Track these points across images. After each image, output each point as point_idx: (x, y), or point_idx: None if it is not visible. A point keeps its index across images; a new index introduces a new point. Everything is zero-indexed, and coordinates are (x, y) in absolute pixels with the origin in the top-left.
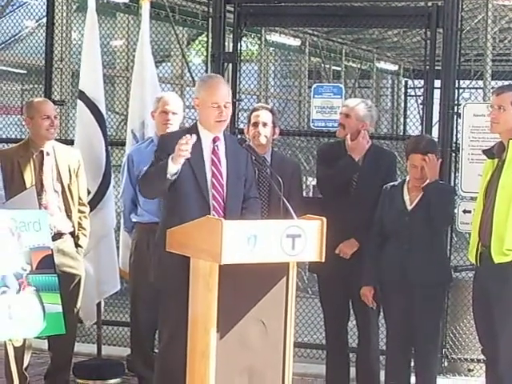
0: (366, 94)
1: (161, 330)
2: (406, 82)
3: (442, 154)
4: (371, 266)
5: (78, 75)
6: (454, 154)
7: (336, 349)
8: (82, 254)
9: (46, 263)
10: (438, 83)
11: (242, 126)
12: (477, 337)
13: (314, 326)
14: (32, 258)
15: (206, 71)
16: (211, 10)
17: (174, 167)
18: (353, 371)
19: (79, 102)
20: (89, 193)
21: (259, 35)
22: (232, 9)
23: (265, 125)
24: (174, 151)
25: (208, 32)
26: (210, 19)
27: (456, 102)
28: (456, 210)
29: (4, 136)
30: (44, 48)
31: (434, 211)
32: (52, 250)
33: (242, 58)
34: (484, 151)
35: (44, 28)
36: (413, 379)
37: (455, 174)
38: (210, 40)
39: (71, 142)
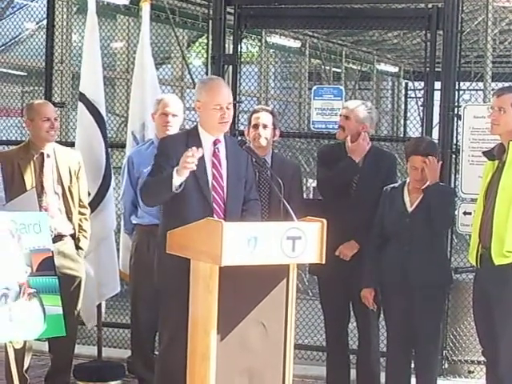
0: (367, 95)
1: (161, 332)
2: (407, 84)
3: (443, 155)
4: (371, 267)
5: (78, 77)
6: (454, 156)
7: (336, 351)
8: (83, 256)
9: (47, 265)
10: (438, 85)
11: (242, 127)
12: (477, 338)
13: (315, 328)
14: (32, 259)
15: (207, 73)
16: (211, 11)
17: (178, 179)
18: (353, 373)
19: (80, 104)
20: (89, 194)
21: (259, 37)
22: (232, 11)
23: (265, 127)
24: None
25: (208, 34)
26: (211, 21)
27: (456, 104)
28: (456, 212)
29: (4, 138)
30: (44, 50)
31: (435, 213)
32: (52, 252)
33: (243, 59)
34: (484, 153)
35: (44, 30)
36: (413, 381)
37: (455, 175)
38: (211, 42)
39: (71, 144)
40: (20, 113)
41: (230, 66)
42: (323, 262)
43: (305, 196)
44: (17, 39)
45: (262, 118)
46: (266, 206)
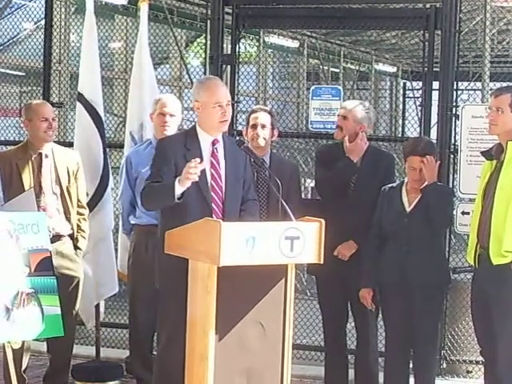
0: (365, 95)
1: (159, 332)
2: (405, 84)
3: (441, 155)
4: (370, 267)
5: (76, 77)
6: (452, 156)
7: (335, 351)
8: (81, 256)
9: (45, 265)
10: (436, 85)
11: (240, 127)
12: (475, 338)
13: (313, 328)
14: (30, 260)
15: (205, 73)
16: (209, 11)
17: (180, 189)
18: (351, 373)
19: (78, 104)
20: (87, 195)
21: (257, 37)
22: (230, 11)
23: (263, 127)
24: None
25: (206, 34)
26: (209, 21)
27: (454, 104)
28: (454, 212)
29: (2, 138)
30: (42, 50)
31: (433, 213)
32: (50, 252)
33: (241, 59)
34: (482, 153)
35: (42, 30)
36: (411, 381)
37: (453, 175)
38: (209, 42)
39: (70, 144)
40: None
41: (229, 66)
42: (321, 262)
43: (303, 196)
44: (15, 39)
45: (261, 118)
46: (264, 206)
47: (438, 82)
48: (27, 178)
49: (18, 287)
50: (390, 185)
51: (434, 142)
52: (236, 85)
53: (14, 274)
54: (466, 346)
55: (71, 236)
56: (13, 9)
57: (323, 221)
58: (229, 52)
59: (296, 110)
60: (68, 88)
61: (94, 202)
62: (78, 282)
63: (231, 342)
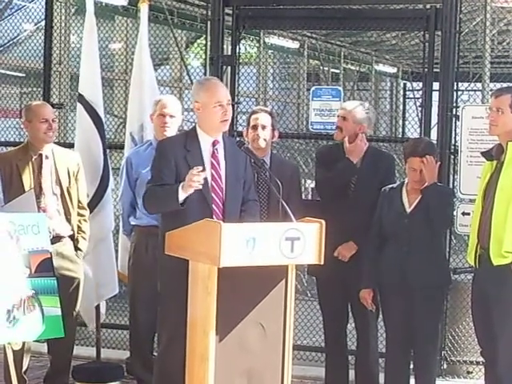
0: (365, 96)
1: (160, 333)
2: (405, 85)
3: (441, 156)
4: (370, 268)
5: (76, 78)
6: (452, 157)
7: (335, 351)
8: (82, 257)
9: (45, 266)
10: (436, 85)
11: (240, 128)
12: (476, 339)
13: (313, 329)
14: (31, 261)
15: (205, 74)
16: (210, 12)
17: (183, 195)
18: (352, 374)
19: (78, 105)
20: (87, 196)
21: (258, 38)
22: (231, 11)
23: (264, 127)
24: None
25: (207, 35)
26: (209, 22)
27: (454, 105)
28: (455, 213)
29: (3, 139)
30: (43, 51)
31: (433, 214)
32: (51, 253)
33: (241, 60)
34: (483, 153)
35: (43, 31)
36: (412, 381)
37: (454, 176)
38: (209, 43)
39: (70, 145)
40: (18, 114)
41: (229, 67)
42: (322, 263)
43: (303, 197)
44: (15, 40)
45: (261, 119)
46: (264, 207)
47: (438, 83)
48: (27, 179)
49: (20, 294)
50: (390, 185)
51: (435, 142)
52: (236, 86)
53: (14, 276)
54: (466, 347)
55: (72, 237)
56: (13, 10)
57: (323, 222)
58: (229, 53)
59: (296, 110)
60: (68, 89)
61: (94, 202)
62: (79, 283)
63: (232, 342)
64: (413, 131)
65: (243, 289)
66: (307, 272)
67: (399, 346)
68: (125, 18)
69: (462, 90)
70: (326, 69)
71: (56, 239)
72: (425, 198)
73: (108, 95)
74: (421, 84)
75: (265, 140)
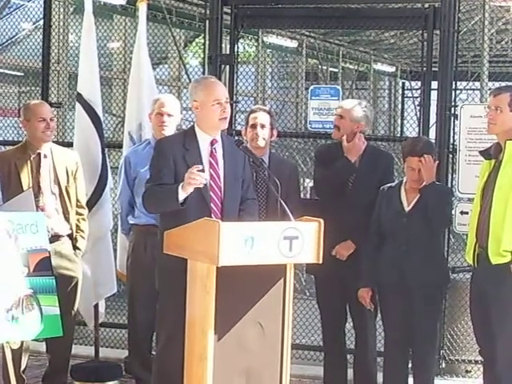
0: (363, 95)
1: (158, 332)
2: (403, 84)
3: (439, 155)
4: (369, 267)
5: (75, 77)
6: (451, 156)
7: (333, 351)
8: (80, 256)
9: (44, 265)
10: (434, 84)
11: (239, 127)
12: (474, 338)
13: (312, 328)
14: (29, 260)
15: (204, 73)
16: (208, 11)
17: (183, 195)
18: (350, 373)
19: (77, 104)
20: (85, 195)
21: (256, 37)
22: (229, 10)
23: (263, 126)
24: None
25: (205, 34)
26: (207, 21)
27: (453, 104)
28: (453, 212)
29: (1, 138)
30: (41, 50)
31: (432, 213)
32: (49, 252)
33: (239, 59)
34: (481, 152)
35: (41, 30)
36: (411, 380)
37: (452, 175)
38: (207, 42)
39: (68, 144)
40: (17, 113)
41: (227, 66)
42: (320, 262)
43: (302, 196)
44: (13, 39)
45: (260, 118)
46: (263, 206)
47: (436, 82)
48: (26, 177)
49: (19, 292)
50: (388, 184)
51: (433, 141)
52: (235, 85)
53: (12, 275)
54: (465, 346)
55: (70, 236)
56: (11, 9)
57: (322, 221)
58: (227, 52)
59: (295, 109)
60: (67, 88)
61: (93, 201)
62: (77, 282)
63: (230, 341)
64: (411, 130)
65: (242, 288)
66: (306, 270)
67: (398, 345)
68: (123, 17)
69: (461, 89)
70: (325, 68)
71: (54, 238)
72: (423, 197)
73: (106, 94)
74: (419, 83)
75: (264, 139)
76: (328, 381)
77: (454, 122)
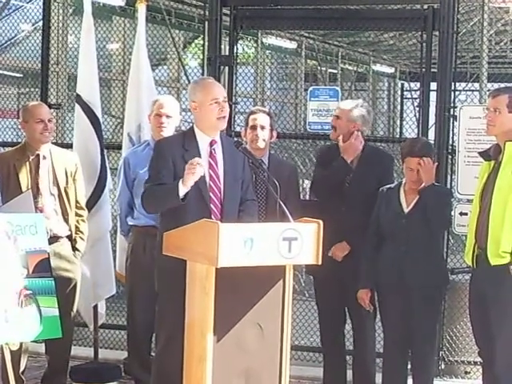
0: (363, 96)
1: (158, 333)
2: (403, 85)
3: (439, 156)
4: (368, 268)
5: (74, 79)
6: (450, 157)
7: (333, 352)
8: (79, 257)
9: (43, 267)
10: (434, 86)
11: (238, 128)
12: (473, 339)
13: (311, 329)
14: (28, 261)
15: (203, 74)
16: (207, 13)
17: (184, 190)
18: (350, 374)
19: (76, 106)
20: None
21: (255, 38)
22: (228, 12)
23: (263, 128)
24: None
25: (204, 35)
26: (207, 22)
27: (452, 105)
28: (452, 213)
29: (0, 140)
30: (40, 51)
31: (431, 214)
32: (48, 253)
33: (239, 60)
34: (480, 153)
35: (40, 31)
36: (410, 381)
37: (451, 176)
38: (207, 43)
39: (68, 146)
40: (16, 114)
41: (226, 67)
42: (319, 263)
43: (301, 197)
44: (13, 40)
45: (260, 120)
46: (262, 207)
47: (435, 83)
48: (24, 179)
49: (17, 293)
50: (387, 186)
51: (432, 142)
52: (234, 86)
53: (11, 276)
54: (464, 347)
55: (69, 237)
56: (10, 10)
57: (321, 222)
58: (227, 53)
59: (294, 111)
60: (66, 89)
61: (92, 203)
62: (76, 283)
63: (229, 343)
64: (410, 131)
65: (241, 289)
66: (305, 271)
67: (397, 346)
68: (122, 19)
69: (460, 90)
70: (324, 69)
71: (53, 239)
72: (423, 199)
73: (106, 95)
74: (418, 84)
75: (264, 140)
76: (327, 382)
77: (453, 123)
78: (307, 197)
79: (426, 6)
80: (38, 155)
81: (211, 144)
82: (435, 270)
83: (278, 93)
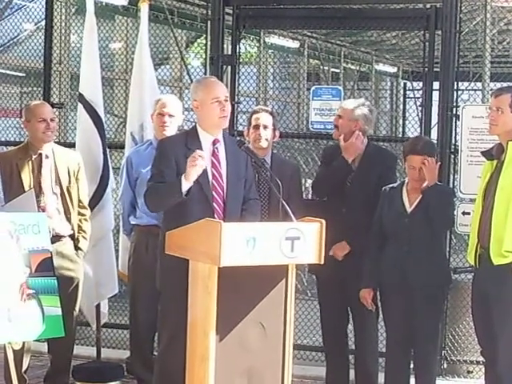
0: (365, 95)
1: (160, 333)
2: (405, 84)
3: (441, 155)
4: (371, 268)
5: (76, 78)
6: (452, 156)
7: (335, 351)
8: (82, 256)
9: (46, 266)
10: (436, 85)
11: (240, 128)
12: (476, 338)
13: (314, 329)
14: (31, 260)
15: (205, 74)
16: (210, 12)
17: (187, 185)
18: (352, 373)
19: (79, 105)
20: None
21: (258, 37)
22: (231, 11)
23: (265, 127)
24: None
25: (207, 34)
26: (209, 22)
27: (455, 104)
28: (455, 212)
29: (3, 139)
30: (43, 51)
31: (434, 213)
32: (51, 252)
33: (241, 60)
34: (483, 153)
35: (43, 31)
36: (412, 381)
37: (454, 175)
38: (209, 42)
39: (70, 145)
40: (18, 114)
41: (229, 67)
42: (322, 263)
43: (304, 196)
44: (15, 40)
45: (262, 119)
46: (265, 207)
47: (438, 83)
48: (27, 178)
49: (20, 293)
50: (390, 185)
51: (435, 142)
52: (236, 85)
53: (14, 275)
54: (466, 346)
55: (72, 236)
56: (13, 9)
57: (324, 221)
58: (229, 52)
59: (296, 110)
60: (68, 89)
61: (94, 202)
62: (78, 282)
63: (232, 342)
64: (413, 131)
65: (243, 288)
66: (308, 270)
67: (399, 346)
68: (125, 18)
69: (462, 90)
70: (326, 68)
71: (56, 238)
72: (425, 198)
73: (108, 95)
74: (421, 83)
75: (266, 140)
76: (330, 381)
77: (455, 122)
78: (309, 196)
79: (428, 6)
80: (40, 154)
81: (214, 143)
82: (438, 270)
83: (280, 92)
